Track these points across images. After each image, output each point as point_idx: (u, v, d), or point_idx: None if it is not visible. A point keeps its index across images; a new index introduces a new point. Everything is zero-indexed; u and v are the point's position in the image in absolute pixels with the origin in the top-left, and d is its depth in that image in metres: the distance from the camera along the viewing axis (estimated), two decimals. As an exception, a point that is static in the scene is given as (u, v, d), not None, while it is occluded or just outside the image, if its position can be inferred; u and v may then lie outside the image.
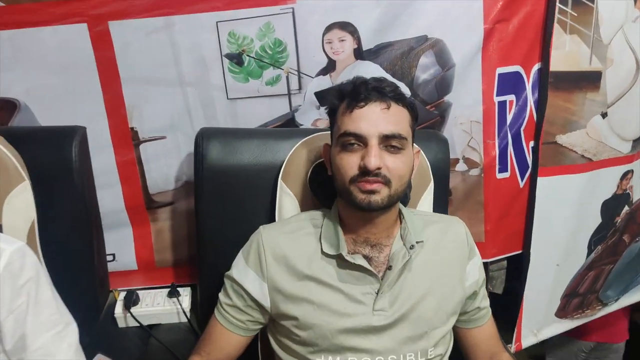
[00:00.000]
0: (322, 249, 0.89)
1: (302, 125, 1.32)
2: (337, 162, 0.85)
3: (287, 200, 1.08)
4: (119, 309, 1.21)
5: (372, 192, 0.80)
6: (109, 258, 1.37)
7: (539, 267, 1.42)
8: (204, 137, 1.12)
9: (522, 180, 1.39)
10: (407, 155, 0.84)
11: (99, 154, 1.25)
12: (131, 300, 1.21)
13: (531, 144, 1.37)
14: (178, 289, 1.26)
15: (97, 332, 1.12)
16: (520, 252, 1.45)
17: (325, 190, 0.99)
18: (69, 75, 1.16)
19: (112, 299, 1.29)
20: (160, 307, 1.23)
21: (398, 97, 0.84)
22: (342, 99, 0.87)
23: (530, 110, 1.34)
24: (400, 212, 0.94)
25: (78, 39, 1.14)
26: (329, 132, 0.94)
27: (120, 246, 1.37)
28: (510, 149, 1.36)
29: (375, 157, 0.79)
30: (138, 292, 1.24)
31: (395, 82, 0.94)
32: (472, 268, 0.97)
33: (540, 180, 1.35)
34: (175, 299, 1.24)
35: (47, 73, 1.16)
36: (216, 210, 1.14)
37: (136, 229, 1.37)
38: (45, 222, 1.03)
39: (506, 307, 1.44)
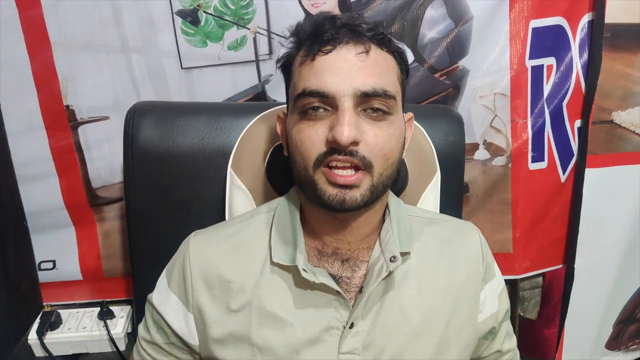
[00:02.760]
0: (271, 257, 0.64)
1: (275, 101, 1.09)
2: (295, 137, 0.62)
3: (239, 195, 0.84)
4: (33, 335, 0.98)
5: (349, 186, 0.58)
6: (48, 266, 1.19)
7: (586, 285, 1.22)
8: (135, 114, 0.90)
9: (564, 172, 1.19)
10: (395, 123, 0.61)
11: (29, 138, 1.09)
12: (47, 323, 0.97)
13: (577, 123, 1.17)
14: (115, 307, 1.01)
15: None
16: (560, 266, 1.25)
17: (288, 182, 0.76)
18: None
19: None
20: (87, 332, 1.01)
21: (380, 39, 0.61)
22: (300, 44, 0.63)
23: (577, 78, 1.13)
24: (386, 207, 0.69)
25: (-2, -4, 0.99)
26: None
27: (62, 252, 1.19)
28: (547, 130, 1.16)
29: (350, 126, 0.56)
30: (60, 311, 1.00)
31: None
32: (489, 295, 0.71)
33: (590, 173, 1.16)
34: (109, 322, 0.98)
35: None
36: (152, 209, 0.91)
37: (79, 230, 1.18)
38: None
39: (542, 337, 1.25)
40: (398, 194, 0.82)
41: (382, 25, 0.64)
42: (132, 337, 1.04)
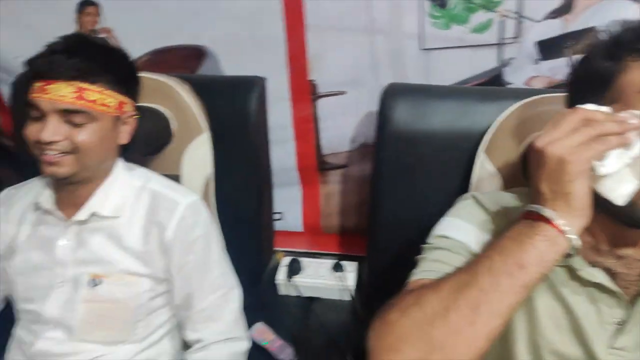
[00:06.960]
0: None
1: (510, 84, 1.07)
2: None
3: (487, 177, 0.87)
4: (281, 276, 1.15)
5: None
6: (276, 217, 1.34)
7: None
8: (390, 95, 0.95)
9: None
10: None
11: (277, 107, 1.19)
12: (294, 268, 1.13)
13: None
14: (343, 262, 1.14)
15: (258, 296, 1.08)
16: None
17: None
18: (254, 23, 1.11)
19: (275, 261, 1.24)
20: (323, 280, 1.13)
21: None
22: (619, 57, 0.57)
23: None
24: None
25: (265, -16, 1.09)
26: (555, 94, 0.70)
27: (288, 206, 1.33)
28: None
29: None
30: (299, 259, 1.16)
31: None
32: None
33: None
34: (339, 274, 1.12)
35: (232, 21, 1.11)
36: (397, 181, 0.97)
37: (305, 190, 1.31)
38: (219, 177, 1.00)
39: None
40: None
41: None
42: (358, 289, 1.14)
